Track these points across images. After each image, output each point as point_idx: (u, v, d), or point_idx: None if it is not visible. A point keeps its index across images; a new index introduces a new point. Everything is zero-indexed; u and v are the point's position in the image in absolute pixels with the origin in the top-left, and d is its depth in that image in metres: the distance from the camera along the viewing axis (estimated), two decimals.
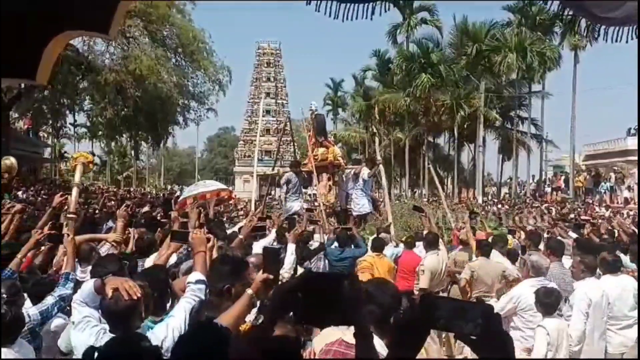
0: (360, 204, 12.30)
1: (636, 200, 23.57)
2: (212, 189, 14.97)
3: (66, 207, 5.42)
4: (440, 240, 7.70)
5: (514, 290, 5.82)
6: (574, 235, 8.47)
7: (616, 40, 1.94)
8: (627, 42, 1.90)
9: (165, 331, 2.80)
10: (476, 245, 7.37)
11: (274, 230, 7.40)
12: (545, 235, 8.60)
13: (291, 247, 6.24)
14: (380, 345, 2.21)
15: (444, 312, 1.16)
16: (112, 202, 17.45)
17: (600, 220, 11.51)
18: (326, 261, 7.70)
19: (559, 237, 8.20)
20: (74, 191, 5.43)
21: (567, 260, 6.42)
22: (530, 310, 5.46)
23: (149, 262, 4.35)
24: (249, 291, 2.52)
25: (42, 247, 4.63)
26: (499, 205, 23.33)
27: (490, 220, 13.16)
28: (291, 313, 1.41)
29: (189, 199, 14.17)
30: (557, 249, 6.33)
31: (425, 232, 8.57)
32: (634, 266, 6.33)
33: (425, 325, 1.18)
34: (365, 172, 12.49)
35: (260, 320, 1.49)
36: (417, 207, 11.05)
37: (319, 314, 1.33)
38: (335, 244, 7.99)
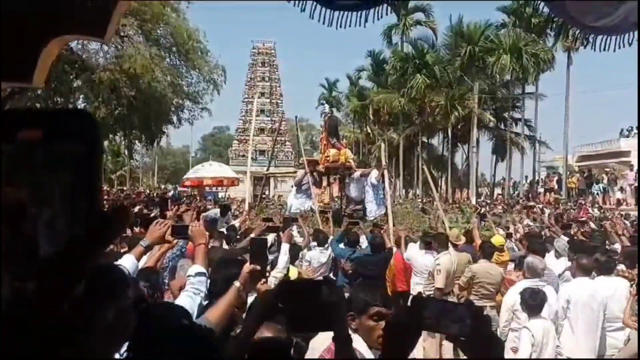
0: (368, 209, 12.48)
1: (629, 201, 23.71)
2: (229, 175, 14.90)
3: None
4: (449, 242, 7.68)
5: (507, 297, 5.91)
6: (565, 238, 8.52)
7: (604, 49, 1.97)
8: (614, 50, 1.94)
9: None
10: (479, 247, 7.42)
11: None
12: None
13: (284, 247, 6.23)
14: (365, 349, 2.24)
15: (433, 313, 1.17)
16: (105, 202, 17.38)
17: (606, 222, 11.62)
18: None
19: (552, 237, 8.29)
20: None
21: (549, 260, 6.53)
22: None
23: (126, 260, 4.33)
24: (237, 284, 2.52)
25: None
26: (492, 206, 23.40)
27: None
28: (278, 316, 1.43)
29: (206, 180, 14.18)
30: (539, 250, 6.40)
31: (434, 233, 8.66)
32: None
33: (415, 327, 1.20)
34: (373, 175, 12.61)
35: (238, 330, 1.50)
36: (424, 209, 11.20)
37: (301, 321, 1.35)
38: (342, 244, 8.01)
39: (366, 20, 1.88)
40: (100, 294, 0.44)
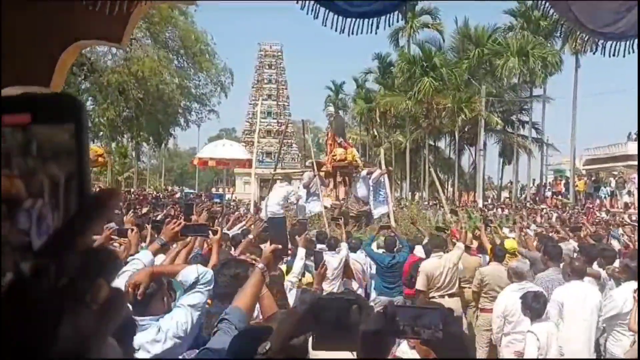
0: (374, 208, 12.48)
1: (636, 205, 23.59)
2: (244, 157, 14.96)
3: None
4: (458, 243, 7.60)
5: (496, 304, 5.95)
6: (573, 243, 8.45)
7: (614, 55, 2.00)
8: (624, 56, 1.96)
9: (168, 323, 2.89)
10: (490, 251, 7.40)
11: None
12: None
13: (301, 252, 6.12)
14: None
15: (406, 319, 1.18)
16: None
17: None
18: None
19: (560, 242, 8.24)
20: None
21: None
22: (516, 314, 5.59)
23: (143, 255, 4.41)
24: (260, 265, 2.53)
25: None
26: (499, 210, 23.35)
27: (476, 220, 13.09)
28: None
29: (225, 161, 14.19)
30: (554, 254, 6.38)
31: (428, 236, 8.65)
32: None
33: (389, 334, 1.19)
34: (374, 174, 12.64)
35: (267, 348, 1.49)
36: (453, 210, 11.24)
37: (328, 339, 1.34)
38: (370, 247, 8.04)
39: (377, 28, 1.91)
40: (92, 274, 0.45)
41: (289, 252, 2.75)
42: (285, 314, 1.73)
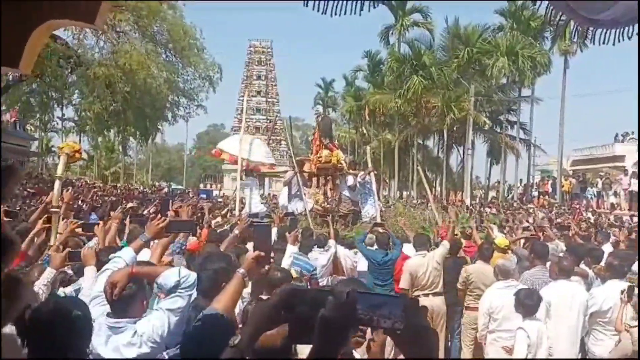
0: (363, 208, 12.46)
1: (623, 205, 23.77)
2: (264, 161, 14.64)
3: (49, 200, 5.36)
4: (443, 242, 7.44)
5: (482, 302, 5.93)
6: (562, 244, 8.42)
7: (604, 43, 1.95)
8: (614, 44, 1.91)
9: (145, 326, 2.84)
10: (477, 248, 7.38)
11: (274, 229, 7.25)
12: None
13: (290, 249, 6.07)
14: None
15: (367, 307, 1.14)
16: (97, 197, 17.35)
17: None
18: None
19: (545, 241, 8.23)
20: (56, 184, 5.33)
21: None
22: (501, 312, 5.57)
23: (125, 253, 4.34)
24: (241, 271, 2.48)
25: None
26: (487, 209, 23.41)
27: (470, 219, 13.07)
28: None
29: (231, 157, 13.90)
30: (541, 253, 6.37)
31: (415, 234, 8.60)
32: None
33: (348, 322, 1.15)
34: (360, 176, 12.65)
35: (237, 340, 1.42)
36: (444, 207, 11.16)
37: (302, 332, 1.27)
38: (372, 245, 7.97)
39: (362, 9, 1.85)
40: None
41: (272, 260, 2.70)
42: (256, 307, 1.66)
